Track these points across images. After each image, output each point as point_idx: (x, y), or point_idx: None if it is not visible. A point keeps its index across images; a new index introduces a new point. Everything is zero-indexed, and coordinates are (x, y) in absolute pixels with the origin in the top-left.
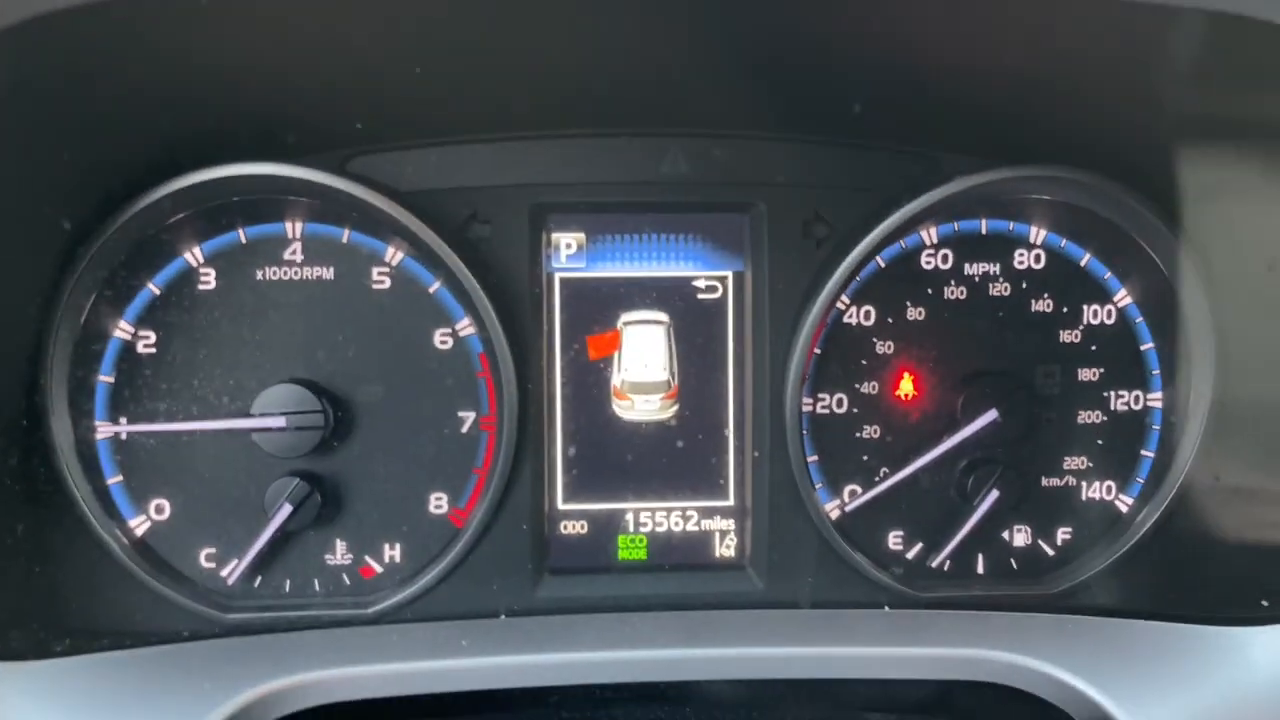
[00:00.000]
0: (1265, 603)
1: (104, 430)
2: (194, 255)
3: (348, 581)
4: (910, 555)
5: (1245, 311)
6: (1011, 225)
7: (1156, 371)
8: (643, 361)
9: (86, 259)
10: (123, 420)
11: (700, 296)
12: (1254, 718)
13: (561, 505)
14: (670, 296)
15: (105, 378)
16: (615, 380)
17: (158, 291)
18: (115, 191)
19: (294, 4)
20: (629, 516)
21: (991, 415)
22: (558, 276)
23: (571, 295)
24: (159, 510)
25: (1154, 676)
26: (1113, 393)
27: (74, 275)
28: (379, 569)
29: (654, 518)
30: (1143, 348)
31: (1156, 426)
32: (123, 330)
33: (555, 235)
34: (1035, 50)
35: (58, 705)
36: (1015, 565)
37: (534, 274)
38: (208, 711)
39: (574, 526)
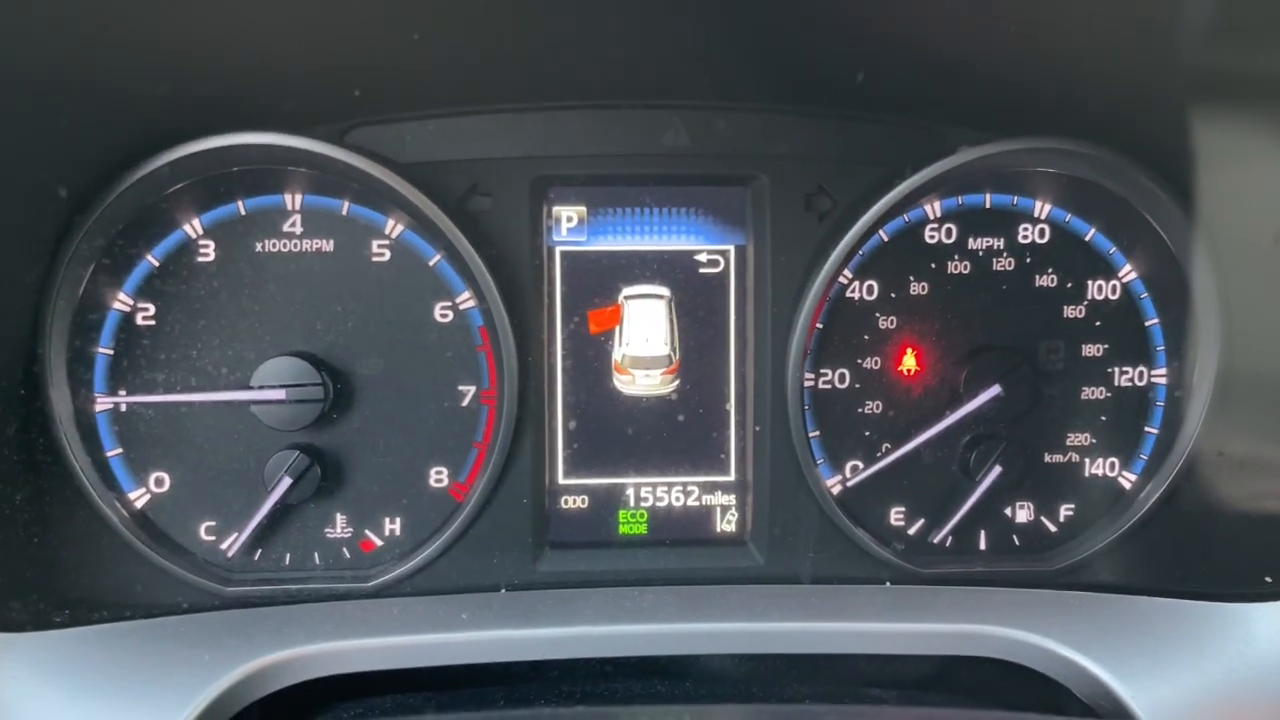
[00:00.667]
0: (1269, 579)
1: (103, 402)
2: (193, 227)
3: (348, 555)
4: (912, 531)
5: (1251, 285)
6: (1016, 199)
7: (1161, 347)
8: (644, 336)
9: (84, 228)
10: (122, 392)
11: (702, 270)
12: (1257, 694)
13: (562, 480)
14: (671, 270)
15: (104, 349)
16: (616, 355)
17: (156, 263)
18: (113, 161)
19: None
20: (629, 491)
21: (994, 390)
22: (559, 249)
23: (572, 268)
24: (159, 483)
25: (1157, 652)
26: (1116, 368)
27: (72, 245)
28: (379, 542)
29: (654, 492)
30: (1148, 323)
31: (1161, 402)
32: (121, 302)
33: (556, 208)
34: (1039, 17)
35: (57, 676)
36: (1017, 541)
37: (535, 247)
38: (207, 684)
39: (574, 501)
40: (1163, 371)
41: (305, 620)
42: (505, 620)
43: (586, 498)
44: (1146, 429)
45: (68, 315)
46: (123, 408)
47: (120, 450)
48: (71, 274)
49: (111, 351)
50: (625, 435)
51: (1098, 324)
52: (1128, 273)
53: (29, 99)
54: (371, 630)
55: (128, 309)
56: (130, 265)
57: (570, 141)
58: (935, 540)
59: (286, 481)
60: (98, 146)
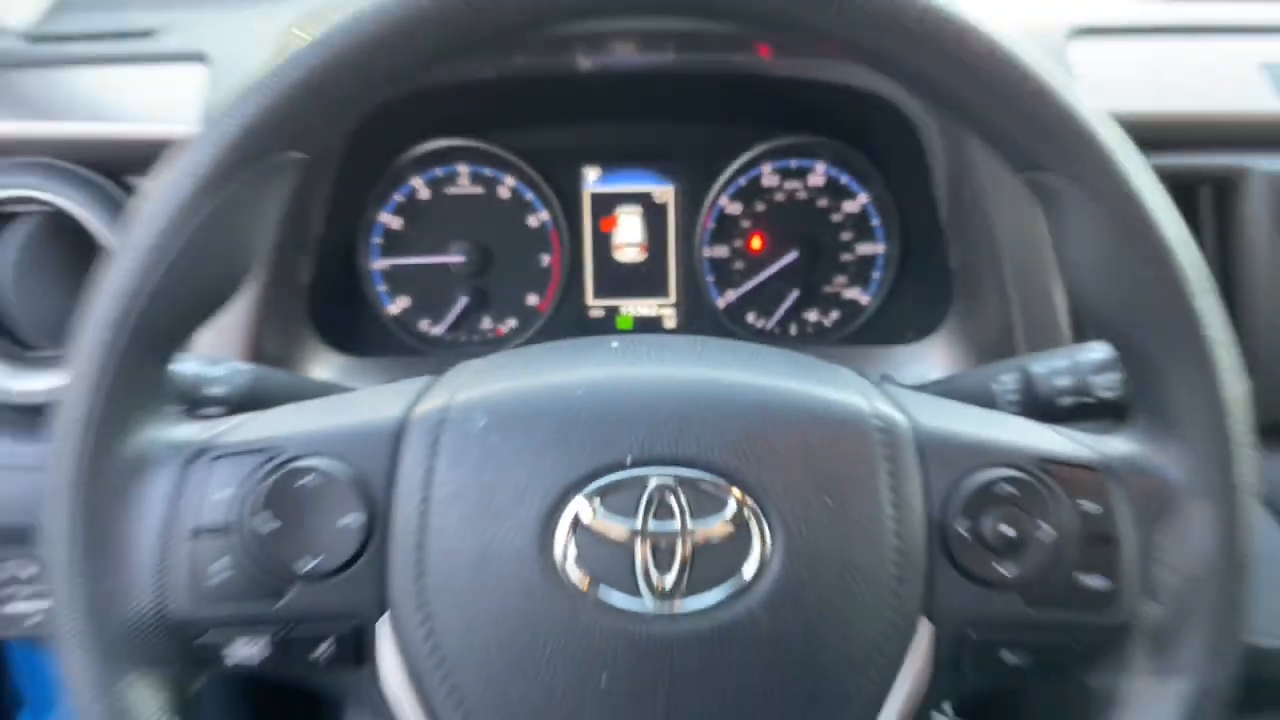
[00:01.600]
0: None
1: (377, 263)
2: (418, 182)
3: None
4: (761, 325)
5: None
6: (807, 164)
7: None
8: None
9: (374, 185)
10: (386, 259)
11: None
12: None
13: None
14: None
15: (376, 239)
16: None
17: (401, 200)
18: (390, 149)
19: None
20: None
21: (794, 254)
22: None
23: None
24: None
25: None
26: (858, 246)
27: (371, 189)
28: None
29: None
30: (873, 224)
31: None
32: (384, 218)
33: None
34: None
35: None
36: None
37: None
38: None
39: None
40: (882, 247)
41: None
42: None
43: None
44: (875, 273)
45: (365, 226)
46: (387, 266)
47: (386, 287)
48: (366, 207)
49: (380, 239)
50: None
51: (848, 223)
52: (863, 201)
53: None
54: None
55: (388, 219)
56: (388, 199)
57: None
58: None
59: (463, 300)
60: (387, 143)
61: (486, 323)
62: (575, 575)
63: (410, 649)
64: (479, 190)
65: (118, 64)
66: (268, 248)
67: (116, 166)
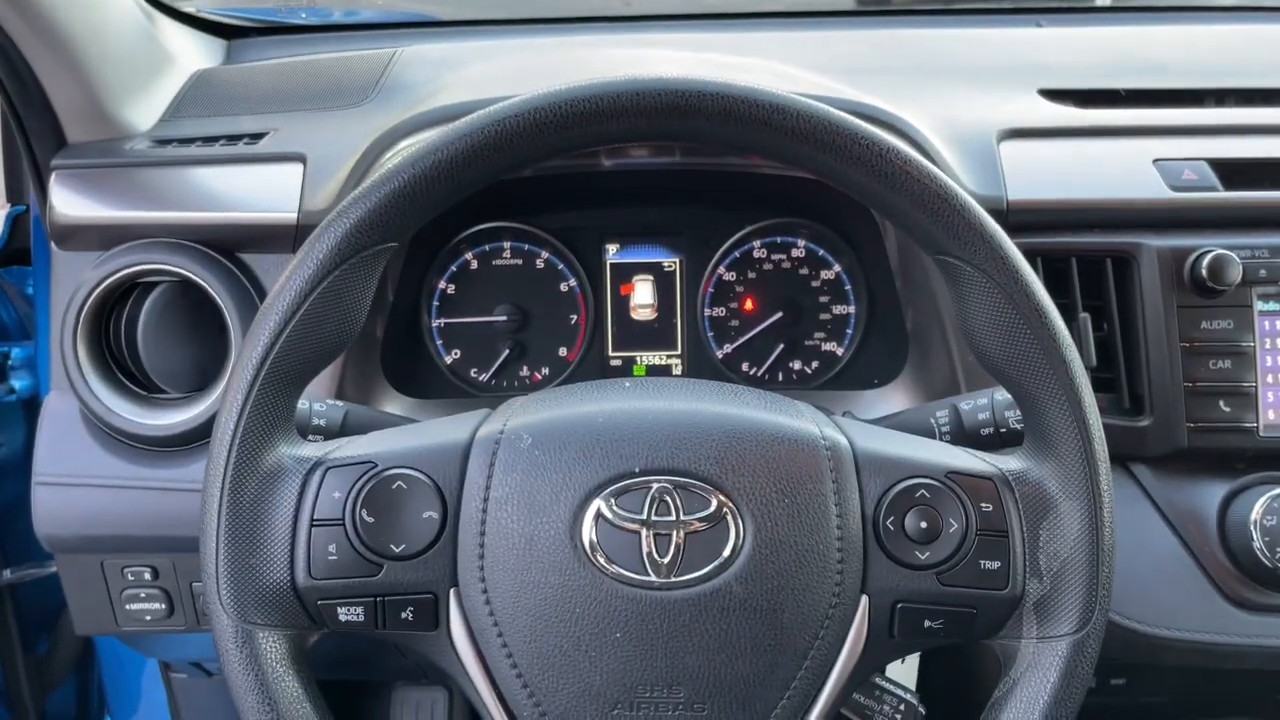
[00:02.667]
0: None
1: (436, 322)
2: (470, 255)
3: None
4: (753, 373)
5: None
6: (802, 242)
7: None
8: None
9: (435, 258)
10: (442, 318)
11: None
12: None
13: None
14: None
15: (435, 302)
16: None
17: (456, 269)
18: (448, 229)
19: None
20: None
21: (779, 314)
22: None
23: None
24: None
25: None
26: (833, 307)
27: (432, 261)
28: None
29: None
30: (846, 288)
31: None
32: (442, 284)
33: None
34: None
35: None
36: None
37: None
38: None
39: None
40: (853, 309)
41: None
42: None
43: None
44: (848, 330)
45: (427, 290)
46: (443, 324)
47: (440, 342)
48: (434, 268)
49: (438, 302)
50: None
51: (825, 289)
52: (837, 270)
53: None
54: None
55: (444, 285)
56: (446, 268)
57: None
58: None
59: (505, 352)
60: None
61: (524, 370)
62: (598, 557)
63: (473, 614)
64: (519, 261)
65: (232, 164)
66: (366, 314)
67: (231, 245)
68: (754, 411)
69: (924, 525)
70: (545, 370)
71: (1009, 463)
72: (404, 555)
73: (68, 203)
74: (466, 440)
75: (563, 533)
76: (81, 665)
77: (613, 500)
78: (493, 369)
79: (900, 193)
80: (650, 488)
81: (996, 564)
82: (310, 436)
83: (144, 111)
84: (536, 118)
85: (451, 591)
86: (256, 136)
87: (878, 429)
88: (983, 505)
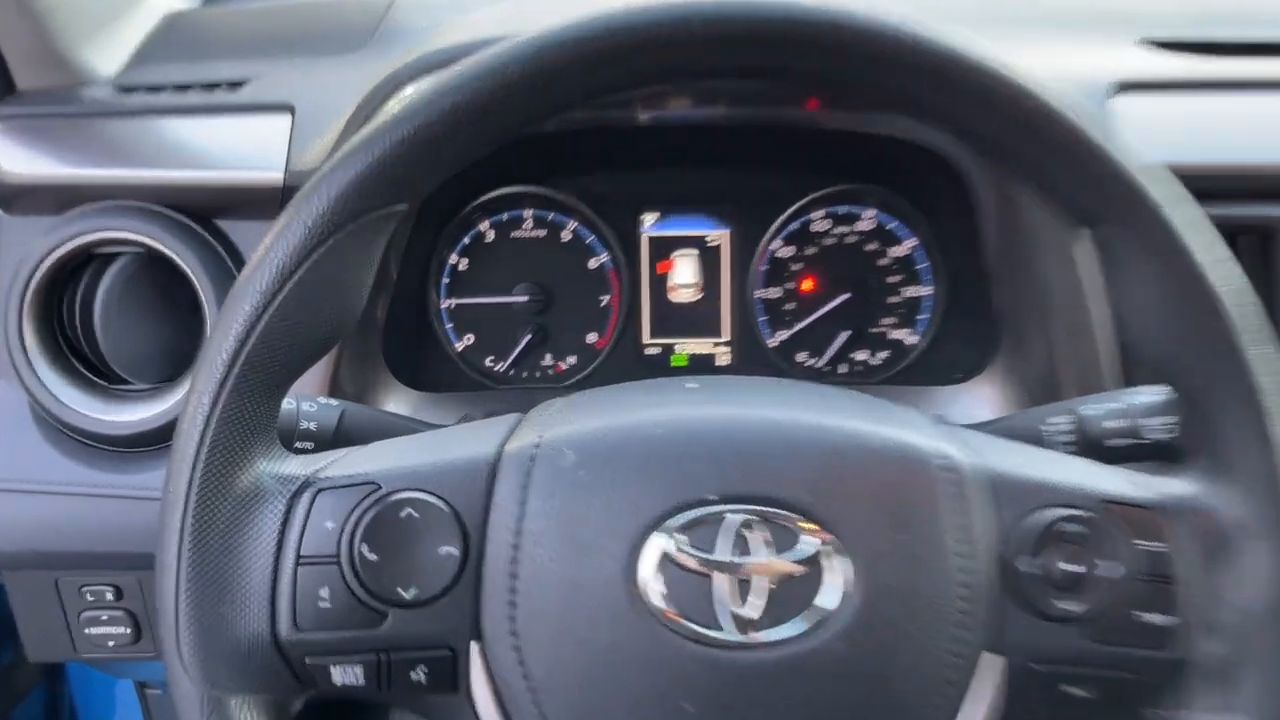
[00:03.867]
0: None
1: (445, 302)
2: (485, 225)
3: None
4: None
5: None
6: (871, 212)
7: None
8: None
9: (444, 228)
10: (453, 298)
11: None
12: None
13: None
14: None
15: (445, 279)
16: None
17: (469, 242)
18: (460, 195)
19: None
20: None
21: (844, 296)
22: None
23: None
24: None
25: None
26: (904, 289)
27: (441, 232)
28: None
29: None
30: (918, 267)
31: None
32: (453, 259)
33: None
34: None
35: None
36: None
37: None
38: None
39: None
40: (929, 290)
41: None
42: None
43: None
44: (924, 315)
45: (437, 264)
46: (453, 305)
47: (451, 325)
48: (444, 239)
49: (449, 279)
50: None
51: (897, 266)
52: (912, 245)
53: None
54: None
55: (456, 260)
56: (457, 240)
57: None
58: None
59: (525, 338)
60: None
61: (548, 359)
62: (659, 605)
63: (501, 675)
64: (542, 233)
65: (208, 114)
66: (367, 295)
67: (206, 210)
68: (853, 420)
69: (1070, 567)
70: (571, 359)
71: (1172, 487)
72: (415, 601)
73: (15, 159)
74: (493, 455)
75: (616, 576)
76: (51, 675)
77: (680, 535)
78: (511, 357)
79: (1040, 146)
80: (727, 520)
81: (1162, 618)
82: (296, 444)
83: (106, 55)
84: (622, 38)
85: (474, 646)
86: (236, 84)
87: (1002, 441)
88: (1144, 543)
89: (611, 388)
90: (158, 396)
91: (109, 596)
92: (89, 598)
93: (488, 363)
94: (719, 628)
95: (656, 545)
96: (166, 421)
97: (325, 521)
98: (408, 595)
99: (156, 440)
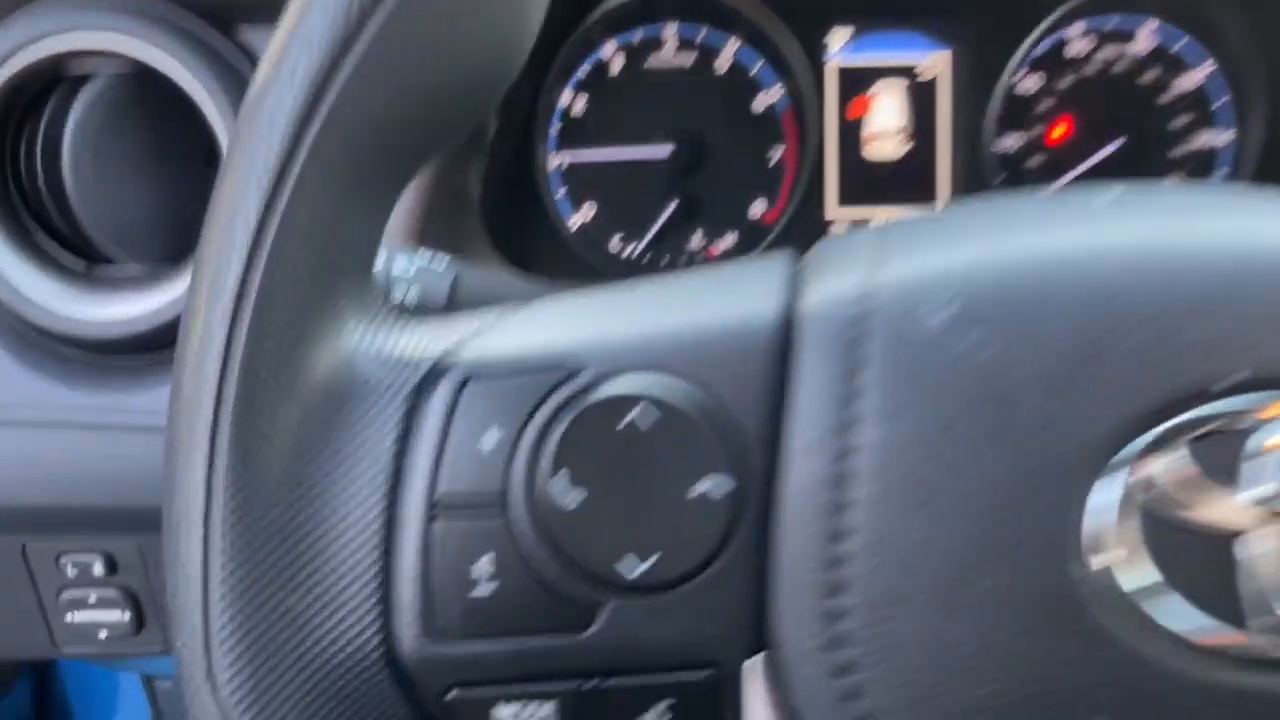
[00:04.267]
0: None
1: (556, 159)
2: (611, 50)
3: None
4: None
5: None
6: (1152, 26)
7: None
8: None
9: (554, 56)
10: (567, 152)
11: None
12: None
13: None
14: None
15: (556, 126)
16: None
17: (587, 74)
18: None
19: None
20: None
21: (1115, 144)
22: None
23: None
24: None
25: None
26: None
27: (548, 67)
28: None
29: None
30: (1221, 101)
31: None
32: (565, 97)
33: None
34: None
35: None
36: None
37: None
38: None
39: None
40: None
41: None
42: None
43: None
44: (1224, 168)
45: (541, 105)
46: (567, 164)
47: (565, 189)
48: (554, 72)
49: (561, 126)
50: None
51: (1184, 104)
52: (1206, 72)
53: None
54: None
55: (568, 101)
56: (572, 71)
57: None
58: None
59: (667, 209)
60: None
61: (697, 239)
62: (1132, 577)
63: (814, 711)
64: (689, 61)
65: None
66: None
67: (225, 9)
68: None
69: None
70: (730, 239)
71: None
72: (654, 583)
73: None
74: (779, 316)
75: (1048, 522)
76: (39, 664)
77: (1169, 454)
78: (648, 237)
79: None
80: (1256, 428)
81: None
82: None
83: None
84: None
85: (753, 661)
86: None
87: None
88: None
89: (968, 206)
90: (157, 282)
91: (98, 570)
92: (70, 571)
93: (614, 243)
94: (1235, 624)
95: (1122, 472)
96: (171, 318)
97: (482, 436)
98: (640, 569)
99: (158, 344)
